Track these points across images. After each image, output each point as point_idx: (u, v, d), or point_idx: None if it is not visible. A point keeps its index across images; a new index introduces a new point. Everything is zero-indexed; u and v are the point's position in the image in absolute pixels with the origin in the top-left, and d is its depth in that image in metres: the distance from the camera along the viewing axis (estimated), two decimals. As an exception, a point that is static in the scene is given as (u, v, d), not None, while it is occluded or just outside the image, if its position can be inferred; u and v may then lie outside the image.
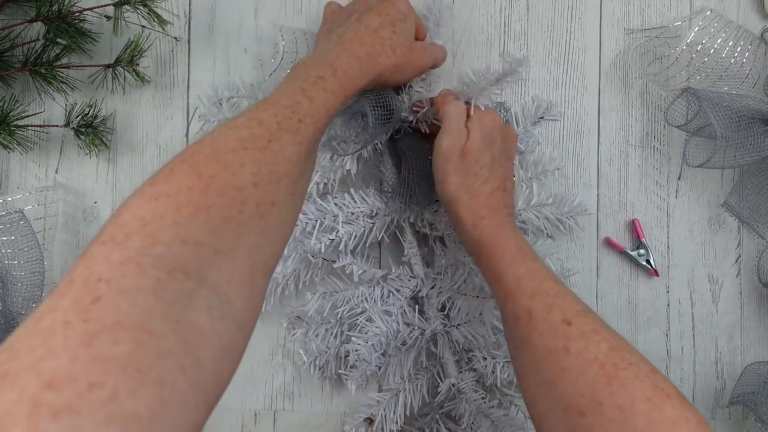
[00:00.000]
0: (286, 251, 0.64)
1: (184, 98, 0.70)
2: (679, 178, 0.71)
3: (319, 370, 0.67)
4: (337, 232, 0.63)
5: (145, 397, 0.28)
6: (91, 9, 0.64)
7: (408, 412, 0.64)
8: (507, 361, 0.63)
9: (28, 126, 0.67)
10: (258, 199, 0.39)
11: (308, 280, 0.67)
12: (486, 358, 0.63)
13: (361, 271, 0.63)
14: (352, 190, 0.65)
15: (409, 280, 0.65)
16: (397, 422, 0.64)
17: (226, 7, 0.70)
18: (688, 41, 0.63)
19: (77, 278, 0.32)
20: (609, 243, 0.70)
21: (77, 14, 0.64)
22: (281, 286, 0.67)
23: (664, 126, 0.71)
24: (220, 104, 0.67)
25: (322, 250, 0.63)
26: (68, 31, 0.64)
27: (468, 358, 0.65)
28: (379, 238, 0.65)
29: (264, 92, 0.67)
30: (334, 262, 0.65)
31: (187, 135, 0.70)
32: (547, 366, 0.43)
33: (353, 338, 0.63)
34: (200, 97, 0.69)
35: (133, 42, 0.65)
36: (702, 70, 0.64)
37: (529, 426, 0.64)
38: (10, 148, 0.67)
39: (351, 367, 0.65)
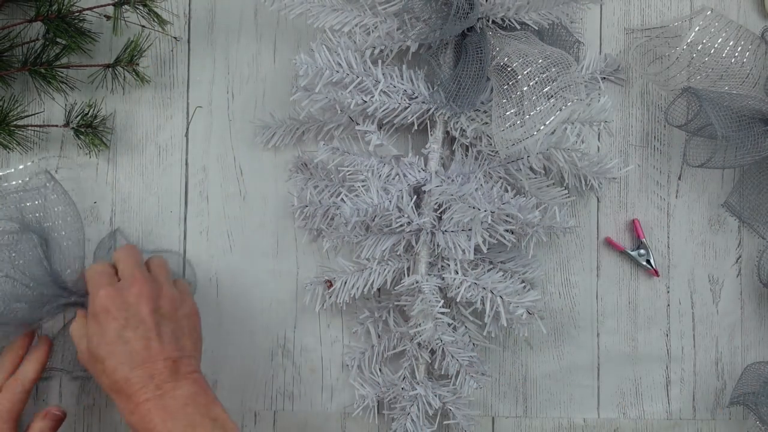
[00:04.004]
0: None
1: (184, 98, 0.70)
2: (679, 178, 0.71)
3: (304, 219, 0.69)
4: (372, 97, 0.63)
5: None
6: (90, 9, 0.64)
7: (366, 290, 0.65)
8: (475, 283, 0.63)
9: (27, 126, 0.67)
10: None
11: (328, 134, 0.68)
12: (458, 273, 0.63)
13: (379, 143, 0.64)
14: (404, 66, 0.65)
15: (419, 172, 0.65)
16: (353, 295, 0.65)
17: (226, 7, 0.70)
18: (689, 41, 0.63)
19: None
20: (609, 243, 0.70)
21: (77, 14, 0.64)
22: (302, 130, 0.68)
23: (665, 126, 0.71)
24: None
25: (351, 107, 0.63)
26: (68, 30, 0.64)
27: (441, 265, 0.65)
28: (409, 122, 0.65)
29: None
30: (358, 124, 0.65)
31: (186, 135, 0.70)
32: None
33: (343, 197, 0.63)
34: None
35: (132, 42, 0.65)
36: (702, 69, 0.64)
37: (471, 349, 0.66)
38: (9, 148, 0.67)
39: (333, 228, 0.67)
